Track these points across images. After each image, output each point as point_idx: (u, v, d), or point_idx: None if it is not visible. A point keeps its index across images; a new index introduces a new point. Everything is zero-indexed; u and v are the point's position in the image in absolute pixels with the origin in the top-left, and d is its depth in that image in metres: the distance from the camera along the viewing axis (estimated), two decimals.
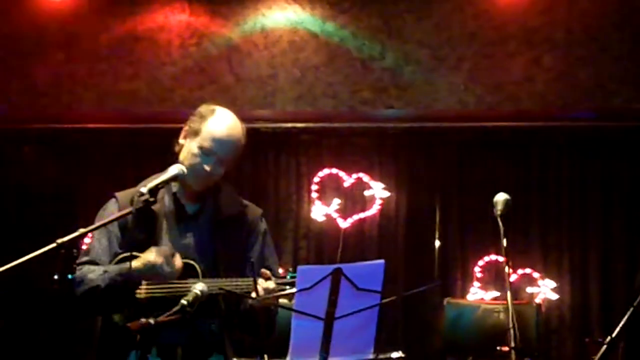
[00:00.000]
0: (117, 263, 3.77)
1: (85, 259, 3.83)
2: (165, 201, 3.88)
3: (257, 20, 7.19)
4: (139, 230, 3.71)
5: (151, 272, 3.67)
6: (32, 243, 3.44)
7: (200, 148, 3.83)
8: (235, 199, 4.02)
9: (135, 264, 3.65)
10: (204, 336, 3.77)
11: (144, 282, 3.72)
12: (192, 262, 3.77)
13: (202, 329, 3.76)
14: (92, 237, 3.90)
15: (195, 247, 3.85)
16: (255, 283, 3.59)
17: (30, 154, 7.65)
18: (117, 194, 3.90)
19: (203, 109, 3.93)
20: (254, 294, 3.59)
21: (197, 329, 3.72)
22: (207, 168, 3.82)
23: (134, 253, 3.68)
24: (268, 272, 3.69)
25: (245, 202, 4.06)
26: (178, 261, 3.72)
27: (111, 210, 3.83)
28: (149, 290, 3.72)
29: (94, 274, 3.72)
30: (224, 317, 3.82)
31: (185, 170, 3.74)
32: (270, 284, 3.65)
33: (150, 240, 3.79)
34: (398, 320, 7.32)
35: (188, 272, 3.75)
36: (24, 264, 3.20)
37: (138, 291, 3.71)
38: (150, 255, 3.69)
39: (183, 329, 3.58)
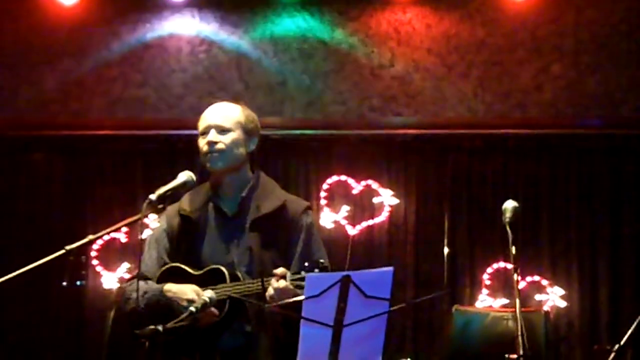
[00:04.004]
0: (161, 274, 3.87)
1: (136, 272, 3.88)
2: (207, 208, 3.95)
3: (266, 27, 7.19)
4: (183, 239, 3.84)
5: (178, 303, 3.72)
6: (42, 249, 3.46)
7: (200, 133, 3.95)
8: (273, 196, 4.05)
9: (170, 287, 3.76)
10: (240, 338, 3.79)
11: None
12: (220, 267, 3.80)
13: (238, 331, 3.79)
14: (145, 251, 4.01)
15: (235, 249, 3.89)
16: (263, 284, 3.60)
17: (40, 161, 7.65)
18: (168, 206, 3.94)
19: None
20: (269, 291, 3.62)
21: (233, 332, 3.77)
22: (209, 139, 3.88)
23: (177, 264, 3.83)
24: (281, 270, 3.68)
25: (288, 196, 4.10)
26: (206, 313, 3.68)
27: (161, 223, 3.97)
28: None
29: (137, 293, 3.77)
30: (257, 317, 3.82)
31: (194, 177, 3.77)
32: (282, 283, 3.64)
33: (192, 248, 3.88)
34: (406, 328, 7.32)
35: (217, 277, 3.78)
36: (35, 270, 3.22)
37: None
38: (187, 288, 3.75)
39: (219, 333, 3.66)
